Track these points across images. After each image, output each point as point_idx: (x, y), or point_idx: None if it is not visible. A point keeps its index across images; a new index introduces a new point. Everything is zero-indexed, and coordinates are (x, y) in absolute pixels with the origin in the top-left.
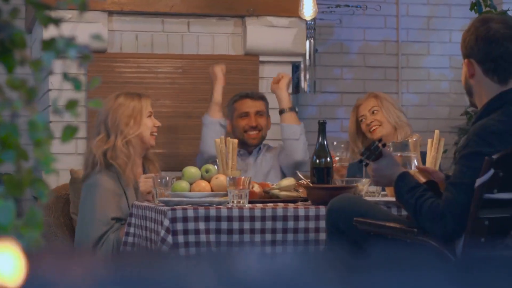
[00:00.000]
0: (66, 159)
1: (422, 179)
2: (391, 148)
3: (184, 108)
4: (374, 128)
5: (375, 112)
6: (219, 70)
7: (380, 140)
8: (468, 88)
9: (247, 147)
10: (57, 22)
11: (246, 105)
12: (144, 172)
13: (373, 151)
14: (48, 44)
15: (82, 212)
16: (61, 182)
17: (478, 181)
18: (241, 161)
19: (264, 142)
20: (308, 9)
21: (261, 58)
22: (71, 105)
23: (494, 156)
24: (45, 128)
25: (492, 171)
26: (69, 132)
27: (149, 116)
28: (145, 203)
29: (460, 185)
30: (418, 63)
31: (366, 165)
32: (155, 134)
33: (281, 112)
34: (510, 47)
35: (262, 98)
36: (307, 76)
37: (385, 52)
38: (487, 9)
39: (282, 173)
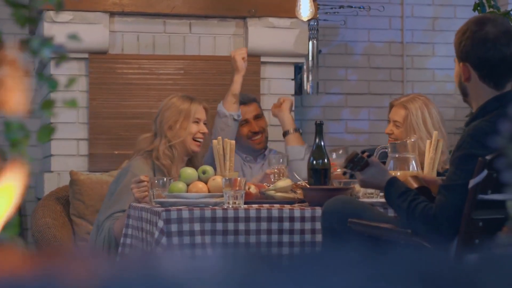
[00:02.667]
0: (68, 161)
1: (415, 185)
2: (389, 149)
3: None
4: (390, 139)
5: (397, 126)
6: (240, 60)
7: (363, 151)
8: (463, 88)
9: (253, 152)
10: (34, 21)
11: (242, 112)
12: None
13: (357, 162)
14: (25, 44)
15: (109, 191)
16: (62, 183)
17: (472, 182)
18: (250, 168)
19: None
20: (305, 10)
21: (263, 59)
22: (47, 105)
23: (488, 157)
24: (21, 128)
25: (485, 172)
26: (46, 132)
27: (196, 122)
28: (142, 204)
29: (453, 187)
30: (423, 64)
31: (351, 176)
32: (200, 140)
33: (285, 134)
34: (507, 52)
35: (254, 100)
36: (310, 77)
37: (390, 53)
38: (491, 9)
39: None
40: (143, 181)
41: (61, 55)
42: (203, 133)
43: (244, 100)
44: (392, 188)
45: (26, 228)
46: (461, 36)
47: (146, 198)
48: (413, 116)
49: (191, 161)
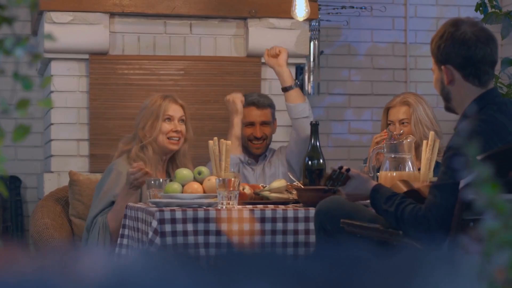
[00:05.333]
0: (68, 161)
1: (404, 189)
2: (385, 150)
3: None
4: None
5: (404, 123)
6: (239, 102)
7: (341, 167)
8: (446, 93)
9: (252, 155)
10: (10, 21)
11: (252, 114)
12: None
13: (336, 179)
14: (0, 44)
15: (95, 194)
16: (63, 184)
17: (462, 183)
18: (252, 171)
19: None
20: (301, 10)
21: (264, 60)
22: (22, 104)
23: (479, 157)
24: None
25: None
26: (21, 132)
27: (168, 119)
28: (138, 205)
29: (443, 187)
30: (427, 64)
31: (334, 192)
32: (175, 139)
33: (285, 89)
34: (488, 49)
35: (269, 105)
36: (311, 78)
37: (393, 53)
38: (493, 10)
39: (288, 170)
40: (135, 167)
41: (35, 55)
42: (177, 131)
43: (259, 103)
44: (378, 194)
45: (27, 229)
46: (439, 40)
47: (139, 177)
48: (418, 109)
49: (173, 161)
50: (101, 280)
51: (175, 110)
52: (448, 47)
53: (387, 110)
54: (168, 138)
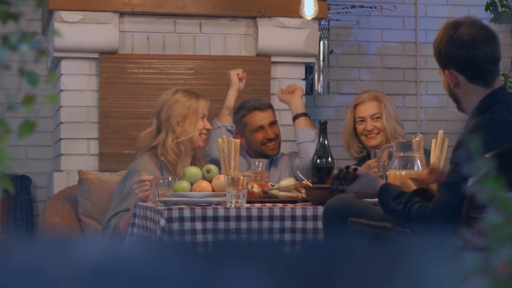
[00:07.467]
0: (78, 160)
1: (413, 187)
2: (394, 148)
3: None
4: (373, 135)
5: (376, 118)
6: (234, 75)
7: (348, 166)
8: (454, 96)
9: (266, 156)
10: (16, 17)
11: (258, 118)
12: None
13: (343, 178)
14: (5, 39)
15: (115, 192)
16: (72, 183)
17: (471, 181)
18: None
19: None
20: (309, 9)
21: (273, 59)
22: (28, 100)
23: (487, 155)
24: (1, 124)
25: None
26: (27, 128)
27: (202, 117)
28: (147, 204)
29: (451, 185)
30: (437, 64)
31: (342, 191)
32: (204, 135)
33: (296, 117)
34: (488, 49)
35: (269, 106)
36: (321, 78)
37: (404, 53)
38: (503, 9)
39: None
40: (144, 180)
41: (41, 51)
42: (208, 129)
43: (260, 106)
44: (386, 193)
45: (38, 227)
46: (439, 44)
47: (150, 197)
48: (387, 104)
49: (195, 156)
50: (89, 268)
51: (206, 109)
52: (448, 51)
53: (354, 107)
54: (200, 135)
